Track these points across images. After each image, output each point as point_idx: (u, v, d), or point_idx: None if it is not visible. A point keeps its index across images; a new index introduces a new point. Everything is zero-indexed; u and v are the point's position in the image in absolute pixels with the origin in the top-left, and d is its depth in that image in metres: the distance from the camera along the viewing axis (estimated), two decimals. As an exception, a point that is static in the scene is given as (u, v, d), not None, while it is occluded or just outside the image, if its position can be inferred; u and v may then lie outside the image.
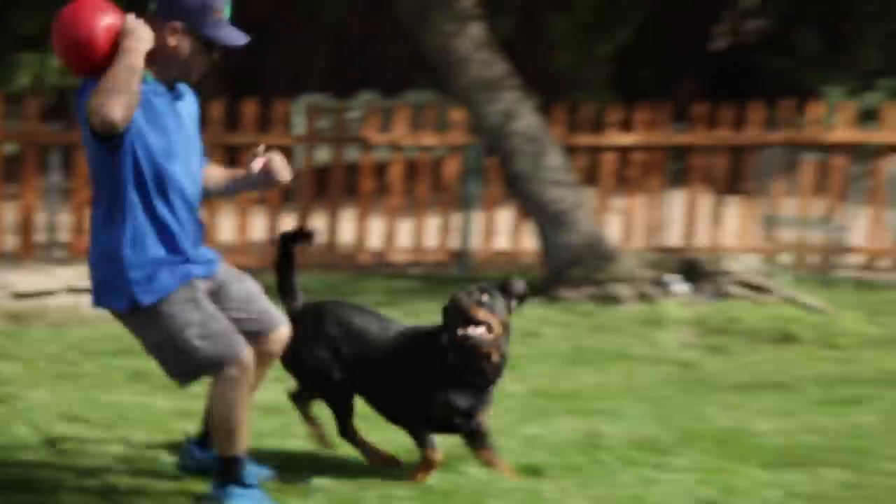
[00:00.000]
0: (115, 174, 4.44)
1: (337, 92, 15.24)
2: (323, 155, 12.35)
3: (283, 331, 4.90)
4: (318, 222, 11.05)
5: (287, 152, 11.67)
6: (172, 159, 4.53)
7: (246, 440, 4.76)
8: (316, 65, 16.72)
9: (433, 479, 5.14)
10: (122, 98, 4.24)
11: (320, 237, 10.77)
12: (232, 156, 10.78)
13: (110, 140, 4.36)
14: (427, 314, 9.08)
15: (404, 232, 11.25)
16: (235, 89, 14.52)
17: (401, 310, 9.18)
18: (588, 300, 9.35)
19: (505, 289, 5.04)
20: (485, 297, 4.89)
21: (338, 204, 10.72)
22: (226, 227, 11.18)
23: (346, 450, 5.39)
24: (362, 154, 10.95)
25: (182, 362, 4.58)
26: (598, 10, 15.20)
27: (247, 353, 4.57)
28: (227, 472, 4.75)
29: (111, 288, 4.55)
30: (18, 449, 5.64)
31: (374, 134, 11.04)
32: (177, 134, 4.55)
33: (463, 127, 10.92)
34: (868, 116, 14.64)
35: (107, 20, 4.40)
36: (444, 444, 5.33)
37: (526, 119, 9.85)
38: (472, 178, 10.86)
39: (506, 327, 5.01)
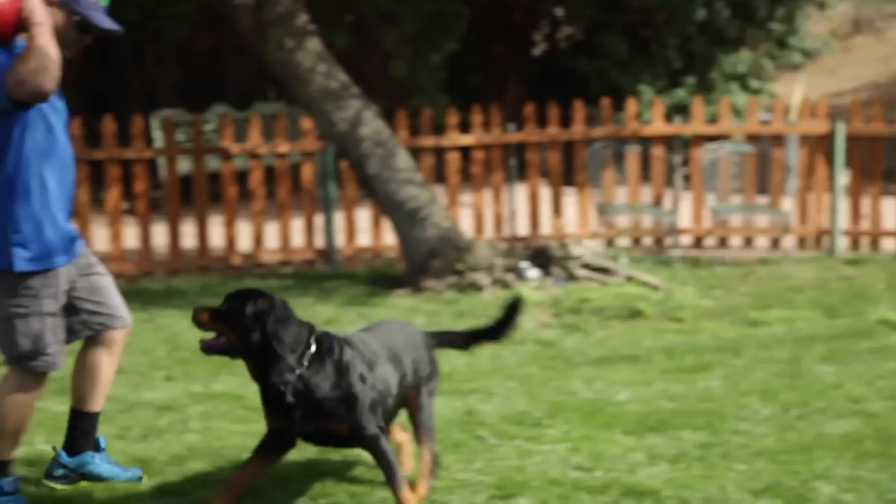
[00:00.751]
0: (6, 140, 4.42)
1: (189, 106, 15.02)
2: (184, 166, 12.17)
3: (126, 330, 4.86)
4: (187, 229, 10.86)
5: (150, 165, 11.62)
6: (59, 127, 4.56)
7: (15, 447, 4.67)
8: (166, 82, 16.41)
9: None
10: (52, 71, 4.30)
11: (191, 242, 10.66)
12: (95, 170, 10.56)
13: (27, 106, 4.38)
14: (301, 308, 8.96)
15: (271, 234, 11.15)
16: (91, 107, 14.19)
17: (275, 307, 9.11)
18: (450, 289, 9.40)
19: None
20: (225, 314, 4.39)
21: (205, 211, 10.53)
22: (99, 236, 10.90)
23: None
24: (222, 163, 10.78)
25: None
26: (424, 23, 15.28)
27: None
28: None
29: None
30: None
31: (232, 144, 10.89)
32: (56, 110, 4.57)
33: (313, 134, 10.85)
34: (677, 111, 15.12)
35: None
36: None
37: (372, 124, 9.84)
38: (329, 181, 10.81)
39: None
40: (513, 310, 5.26)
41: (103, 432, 5.82)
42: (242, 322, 4.29)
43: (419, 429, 4.83)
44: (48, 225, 4.49)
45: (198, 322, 4.41)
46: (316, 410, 4.40)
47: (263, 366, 4.34)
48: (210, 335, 4.44)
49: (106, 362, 4.81)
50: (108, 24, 4.59)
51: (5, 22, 4.39)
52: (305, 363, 4.36)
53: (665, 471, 5.08)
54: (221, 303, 4.38)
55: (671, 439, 5.55)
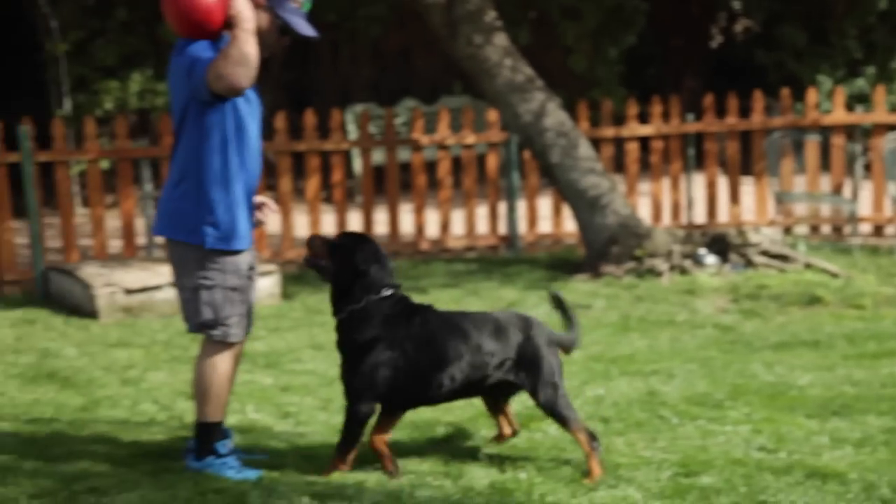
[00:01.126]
0: (204, 128, 4.58)
1: (381, 101, 15.29)
2: (377, 156, 12.42)
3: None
4: (379, 216, 11.08)
5: (345, 156, 11.88)
6: (251, 122, 4.70)
7: (223, 411, 4.76)
8: (360, 78, 16.73)
9: (518, 437, 5.16)
10: (249, 70, 4.45)
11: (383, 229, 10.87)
12: (297, 162, 10.87)
13: (223, 98, 4.54)
14: (485, 291, 9.15)
15: (457, 221, 11.28)
16: (293, 103, 14.59)
17: (462, 289, 9.23)
18: (628, 274, 9.35)
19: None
20: (337, 242, 4.82)
21: (396, 199, 10.73)
22: (300, 223, 11.22)
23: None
24: (412, 154, 10.95)
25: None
26: (604, 18, 15.20)
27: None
28: (204, 439, 4.74)
29: (183, 222, 4.65)
30: (149, 424, 5.73)
31: (421, 136, 11.04)
32: (250, 104, 4.71)
33: (498, 125, 10.92)
34: (857, 100, 14.63)
35: None
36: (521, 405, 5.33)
37: (555, 116, 9.85)
38: (512, 171, 10.86)
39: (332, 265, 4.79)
40: (560, 305, 5.13)
41: (306, 405, 6.06)
42: (343, 255, 4.72)
43: (556, 420, 4.80)
44: (236, 209, 4.66)
45: (312, 245, 4.79)
46: (342, 347, 4.74)
47: (339, 294, 4.73)
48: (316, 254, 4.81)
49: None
50: (307, 30, 4.70)
51: (214, 19, 4.54)
52: (362, 304, 4.69)
53: (850, 454, 4.97)
54: (335, 237, 4.86)
55: (855, 423, 5.42)
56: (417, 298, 5.00)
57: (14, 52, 14.81)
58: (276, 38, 4.70)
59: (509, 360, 4.74)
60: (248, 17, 4.51)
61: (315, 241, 4.81)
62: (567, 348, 4.96)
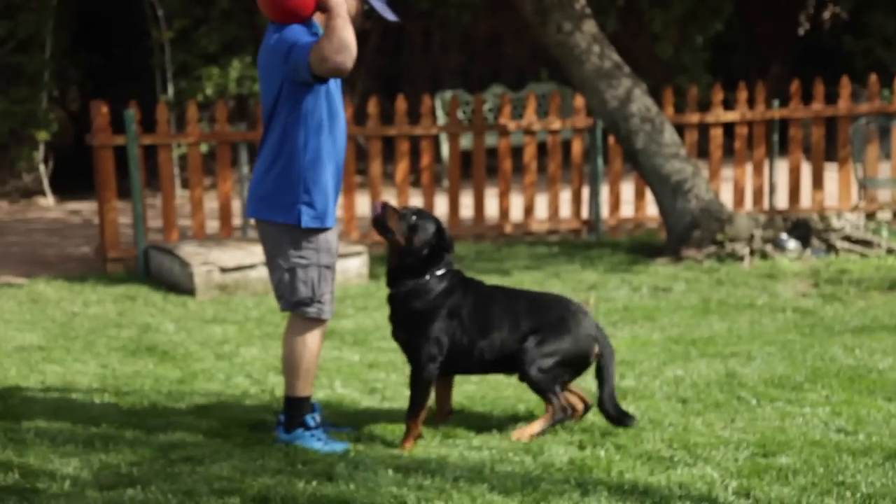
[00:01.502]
0: (298, 110, 4.61)
1: (469, 87, 15.24)
2: (465, 141, 12.37)
3: None
4: (465, 200, 11.05)
5: (434, 140, 11.87)
6: (340, 105, 4.76)
7: (311, 385, 4.79)
8: (450, 65, 16.69)
9: (591, 416, 5.10)
10: (351, 52, 4.51)
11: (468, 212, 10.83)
12: (386, 146, 10.87)
13: (324, 80, 4.60)
14: (567, 274, 9.08)
15: (541, 205, 11.20)
16: (384, 89, 14.62)
17: (545, 272, 9.17)
18: (709, 258, 9.21)
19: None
20: (413, 219, 4.91)
21: (482, 183, 10.68)
22: (388, 206, 11.22)
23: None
24: (499, 139, 10.88)
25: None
26: (691, 5, 14.99)
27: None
28: (294, 413, 4.76)
29: (279, 204, 4.67)
30: (241, 397, 5.78)
31: (509, 121, 10.96)
32: (338, 92, 4.76)
33: (584, 111, 10.81)
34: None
35: None
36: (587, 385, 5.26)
37: (641, 101, 9.73)
38: (596, 156, 10.74)
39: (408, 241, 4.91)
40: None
41: (391, 381, 6.06)
42: (416, 231, 4.87)
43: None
44: (328, 189, 4.70)
45: (384, 213, 4.88)
46: (398, 317, 4.92)
47: (402, 268, 4.89)
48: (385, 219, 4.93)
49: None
50: (389, 15, 4.77)
51: (307, 4, 4.60)
52: (426, 278, 4.88)
53: (928, 437, 4.82)
54: (402, 209, 4.97)
55: (935, 408, 5.27)
56: (500, 280, 5.03)
57: (122, 39, 15.06)
58: (361, 22, 4.73)
59: (532, 335, 4.94)
60: (339, 2, 4.54)
61: (388, 211, 4.91)
62: (592, 353, 5.02)
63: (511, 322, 4.94)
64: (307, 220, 4.65)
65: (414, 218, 4.90)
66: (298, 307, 4.72)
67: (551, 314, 4.99)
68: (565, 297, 5.23)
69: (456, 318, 4.87)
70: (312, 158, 4.64)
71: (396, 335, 5.00)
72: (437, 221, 4.97)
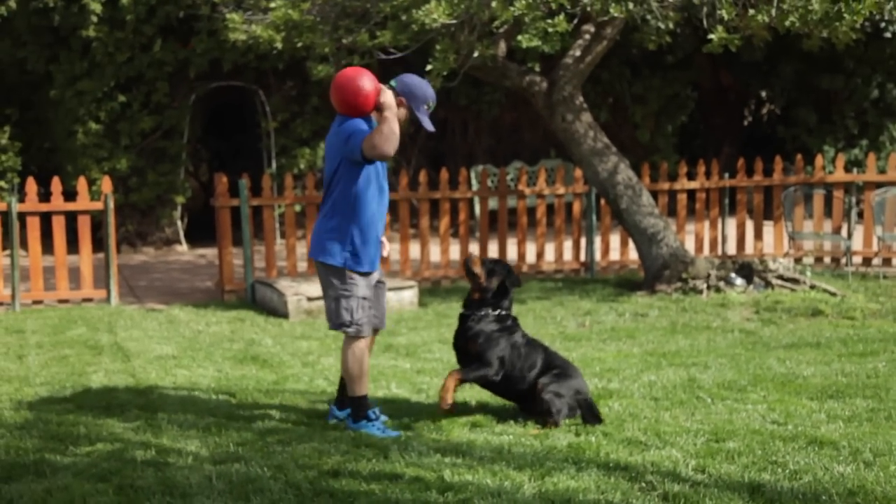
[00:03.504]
0: (352, 181, 4.60)
1: (496, 162, 15.26)
2: (492, 203, 12.37)
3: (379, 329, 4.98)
4: (492, 246, 11.04)
5: (469, 202, 11.87)
6: (385, 180, 4.75)
7: (366, 386, 4.76)
8: (482, 145, 16.72)
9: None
10: (394, 142, 4.52)
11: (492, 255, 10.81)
12: (433, 206, 10.86)
13: (371, 161, 4.60)
14: (569, 302, 9.01)
15: (549, 250, 11.17)
16: (431, 163, 14.69)
17: (552, 301, 9.12)
18: (676, 292, 9.12)
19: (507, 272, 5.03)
20: (490, 265, 4.97)
21: (504, 233, 10.66)
22: (434, 252, 11.27)
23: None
24: (518, 201, 10.87)
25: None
26: (663, 102, 15.00)
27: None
28: (357, 408, 4.73)
29: (330, 250, 4.65)
30: (321, 395, 5.76)
31: (525, 188, 10.95)
32: (383, 167, 4.76)
33: (582, 181, 10.78)
34: (854, 164, 14.06)
35: (374, 85, 4.63)
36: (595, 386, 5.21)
37: (624, 173, 9.69)
38: (591, 214, 10.70)
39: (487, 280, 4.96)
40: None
41: (435, 384, 6.01)
42: (498, 274, 4.94)
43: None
44: (370, 240, 4.68)
45: (471, 261, 4.95)
46: (468, 332, 4.91)
47: (480, 298, 4.92)
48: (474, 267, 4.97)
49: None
50: (429, 126, 4.77)
51: (369, 103, 4.62)
52: (498, 312, 4.92)
53: (841, 427, 4.75)
54: (483, 258, 5.04)
55: (846, 405, 5.20)
56: (518, 308, 5.00)
57: (240, 128, 15.29)
58: (407, 126, 4.76)
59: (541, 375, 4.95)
60: (391, 105, 4.58)
61: (473, 258, 4.98)
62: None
63: (532, 362, 4.97)
64: (350, 264, 4.65)
65: (491, 264, 4.97)
66: (341, 327, 4.72)
67: (558, 369, 5.01)
68: (569, 363, 5.18)
69: (509, 345, 4.91)
70: (357, 217, 4.63)
71: (458, 345, 5.00)
72: (507, 266, 5.02)
